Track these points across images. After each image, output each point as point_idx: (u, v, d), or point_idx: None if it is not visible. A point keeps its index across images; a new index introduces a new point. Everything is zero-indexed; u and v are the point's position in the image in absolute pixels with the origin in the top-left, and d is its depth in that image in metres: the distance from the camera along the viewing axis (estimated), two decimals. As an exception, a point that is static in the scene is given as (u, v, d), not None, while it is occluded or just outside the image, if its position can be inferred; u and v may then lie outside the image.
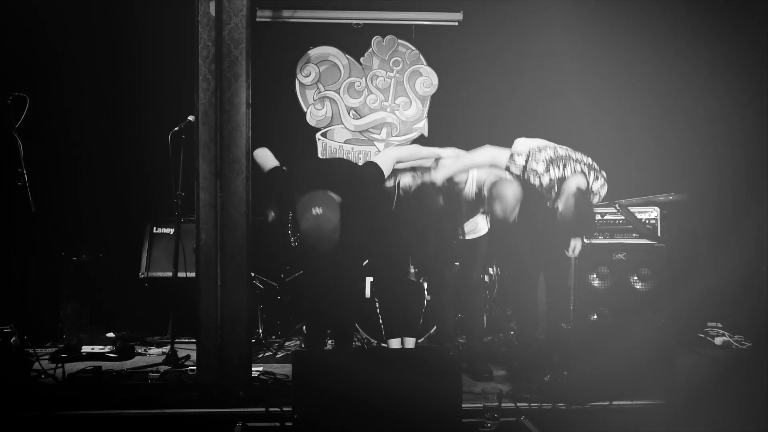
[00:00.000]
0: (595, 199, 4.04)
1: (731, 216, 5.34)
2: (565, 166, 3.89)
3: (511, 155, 3.94)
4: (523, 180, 3.91)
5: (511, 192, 3.84)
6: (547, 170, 3.88)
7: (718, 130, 5.58)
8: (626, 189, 5.23)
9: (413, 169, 4.20)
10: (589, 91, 5.84)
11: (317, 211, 3.57)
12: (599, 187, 4.00)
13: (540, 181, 3.89)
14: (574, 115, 5.78)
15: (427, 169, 4.06)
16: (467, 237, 4.27)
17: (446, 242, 4.21)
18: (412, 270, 4.44)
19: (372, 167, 3.98)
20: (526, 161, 3.90)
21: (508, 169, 3.94)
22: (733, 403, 3.02)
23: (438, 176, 4.02)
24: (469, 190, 4.11)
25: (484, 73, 6.10)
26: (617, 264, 4.95)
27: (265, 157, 4.05)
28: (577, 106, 5.83)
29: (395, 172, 4.16)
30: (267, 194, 4.02)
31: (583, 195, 3.87)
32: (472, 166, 4.06)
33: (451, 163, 4.08)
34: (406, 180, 4.12)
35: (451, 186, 4.05)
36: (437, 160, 4.22)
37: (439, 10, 6.14)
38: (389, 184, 4.13)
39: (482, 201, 4.06)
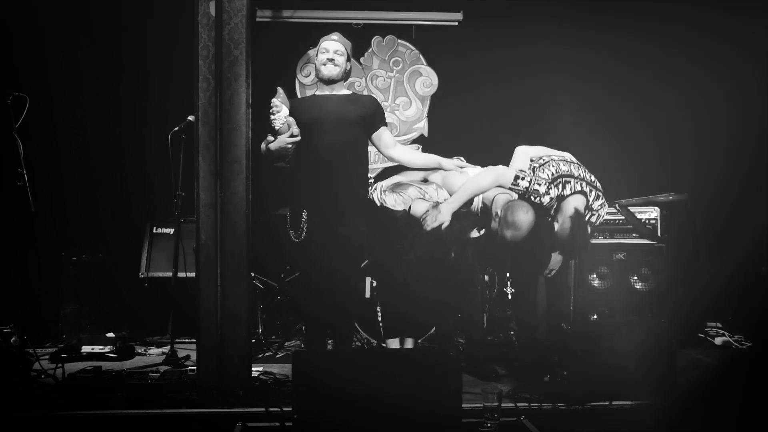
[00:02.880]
0: (594, 219, 4.07)
1: (731, 216, 5.34)
2: (565, 186, 3.94)
3: (515, 177, 3.96)
4: (524, 198, 3.96)
5: (526, 221, 3.82)
6: (548, 192, 3.93)
7: (719, 130, 5.58)
8: (626, 189, 5.23)
9: (426, 187, 4.23)
10: (590, 91, 5.85)
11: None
12: (599, 206, 4.04)
13: (541, 200, 3.94)
14: (575, 115, 5.78)
15: (436, 206, 4.01)
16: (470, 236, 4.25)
17: (446, 255, 4.21)
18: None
19: None
20: (529, 183, 3.94)
21: (511, 190, 3.99)
22: (732, 403, 3.02)
23: (446, 214, 3.94)
24: (475, 207, 4.14)
25: (484, 72, 6.10)
26: (617, 264, 4.95)
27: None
28: (578, 105, 5.84)
29: (403, 190, 4.20)
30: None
31: (580, 217, 3.93)
32: (478, 193, 4.04)
33: (459, 191, 4.03)
34: (418, 208, 4.10)
35: (457, 211, 4.04)
36: (438, 170, 4.25)
37: (439, 10, 6.14)
38: (400, 208, 4.16)
39: (488, 214, 4.07)
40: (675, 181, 5.38)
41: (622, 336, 3.77)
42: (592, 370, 3.63)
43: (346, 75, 4.14)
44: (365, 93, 6.18)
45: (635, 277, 4.96)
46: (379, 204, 4.12)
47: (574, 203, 3.93)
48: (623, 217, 5.00)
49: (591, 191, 3.99)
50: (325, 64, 4.05)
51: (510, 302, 5.05)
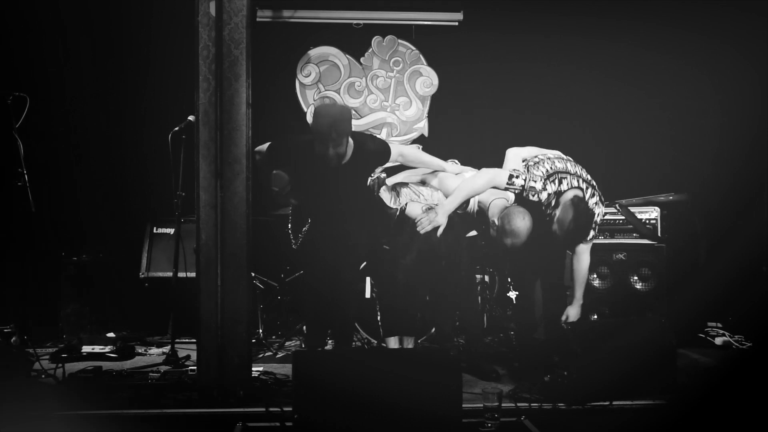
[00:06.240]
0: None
1: (731, 216, 5.34)
2: (561, 182, 3.93)
3: (510, 176, 3.94)
4: (522, 198, 3.95)
5: (524, 227, 3.83)
6: (545, 188, 3.91)
7: (718, 130, 5.59)
8: (626, 189, 5.23)
9: (421, 189, 4.23)
10: (589, 91, 5.85)
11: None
12: (593, 204, 4.00)
13: (539, 197, 3.92)
14: (575, 115, 5.80)
15: (432, 209, 3.98)
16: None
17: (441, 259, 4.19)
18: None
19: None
20: (525, 180, 3.92)
21: (506, 190, 3.97)
22: (733, 403, 3.02)
23: (442, 217, 3.90)
24: (471, 209, 4.14)
25: (484, 73, 6.10)
26: (617, 264, 4.95)
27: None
28: (578, 105, 5.84)
29: (399, 189, 4.20)
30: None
31: (581, 202, 3.89)
32: (473, 194, 4.03)
33: (454, 193, 3.99)
34: (414, 210, 4.10)
35: (453, 213, 4.02)
36: (436, 172, 4.24)
37: (439, 10, 6.14)
38: (393, 205, 4.15)
39: (484, 217, 4.07)
40: (675, 181, 5.38)
41: (622, 336, 3.77)
42: (592, 370, 3.63)
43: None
44: (365, 92, 6.19)
45: (635, 277, 4.95)
46: (375, 193, 4.14)
47: (573, 192, 3.91)
48: (623, 217, 4.99)
49: (587, 188, 3.97)
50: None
51: (511, 303, 5.05)
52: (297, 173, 3.99)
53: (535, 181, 3.91)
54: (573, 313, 4.13)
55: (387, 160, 4.08)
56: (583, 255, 4.13)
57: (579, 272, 4.14)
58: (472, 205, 4.12)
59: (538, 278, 4.33)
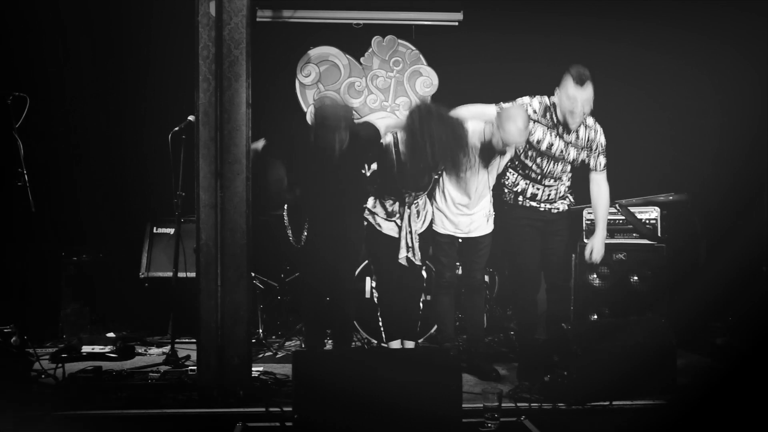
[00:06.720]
0: None
1: (731, 216, 5.33)
2: (550, 97, 4.15)
3: (498, 103, 4.15)
4: None
5: (520, 113, 4.03)
6: (533, 97, 4.17)
7: (718, 130, 5.58)
8: (626, 189, 5.23)
9: None
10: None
11: None
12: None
13: (533, 108, 4.14)
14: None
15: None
16: (470, 235, 4.28)
17: (459, 171, 4.14)
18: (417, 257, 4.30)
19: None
20: (513, 101, 4.16)
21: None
22: (732, 403, 3.02)
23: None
24: (471, 140, 4.18)
25: (484, 73, 6.10)
26: (617, 264, 4.95)
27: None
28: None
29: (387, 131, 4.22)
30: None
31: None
32: (468, 117, 4.18)
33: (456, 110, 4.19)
34: (389, 122, 4.22)
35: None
36: None
37: (439, 10, 6.14)
38: (386, 140, 4.15)
39: (491, 152, 4.16)
40: (675, 181, 5.38)
41: (622, 336, 3.77)
42: (592, 370, 3.63)
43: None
44: (365, 92, 6.19)
45: (635, 277, 4.95)
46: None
47: None
48: (623, 217, 4.99)
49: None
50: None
51: (510, 302, 5.04)
52: (295, 166, 3.96)
53: (523, 98, 4.17)
54: (597, 244, 4.23)
55: (379, 141, 4.09)
56: (601, 181, 4.25)
57: (599, 198, 4.24)
58: (471, 137, 4.17)
59: (539, 274, 4.33)
